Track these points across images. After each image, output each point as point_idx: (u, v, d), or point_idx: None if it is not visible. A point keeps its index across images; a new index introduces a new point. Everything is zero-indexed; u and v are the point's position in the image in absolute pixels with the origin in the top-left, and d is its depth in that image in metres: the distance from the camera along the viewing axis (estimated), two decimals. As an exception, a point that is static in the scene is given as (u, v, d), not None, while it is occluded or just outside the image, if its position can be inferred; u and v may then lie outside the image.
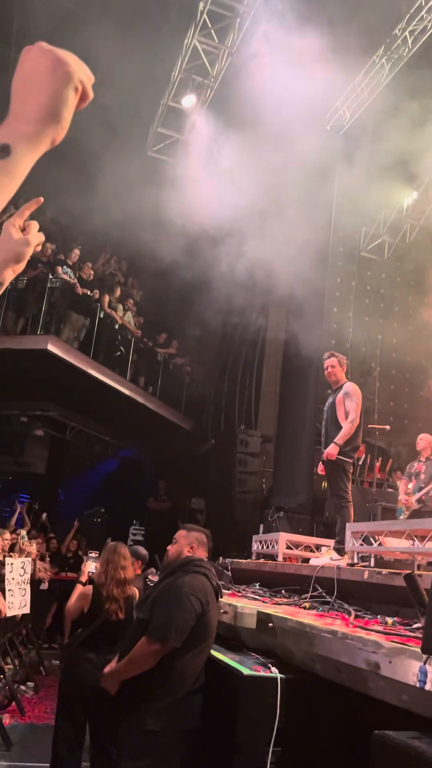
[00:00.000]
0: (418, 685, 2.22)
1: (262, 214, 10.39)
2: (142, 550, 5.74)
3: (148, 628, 3.04)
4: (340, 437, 5.82)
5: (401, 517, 7.49)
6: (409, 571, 2.78)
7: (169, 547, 3.56)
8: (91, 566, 4.80)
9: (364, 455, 10.75)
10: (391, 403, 12.83)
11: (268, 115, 9.19)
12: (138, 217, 10.74)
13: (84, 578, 4.73)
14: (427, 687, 2.19)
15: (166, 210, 10.47)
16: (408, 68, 9.98)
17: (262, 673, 2.95)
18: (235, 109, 10.02)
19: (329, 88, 9.69)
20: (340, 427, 5.91)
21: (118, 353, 12.74)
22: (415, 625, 3.00)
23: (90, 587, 4.50)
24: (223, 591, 4.08)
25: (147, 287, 15.19)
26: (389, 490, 10.15)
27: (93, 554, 5.08)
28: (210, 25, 10.18)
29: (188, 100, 11.21)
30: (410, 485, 7.60)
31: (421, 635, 2.39)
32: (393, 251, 12.86)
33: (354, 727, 2.52)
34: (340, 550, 5.51)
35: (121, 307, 13.36)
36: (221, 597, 3.45)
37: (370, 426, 9.79)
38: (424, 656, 2.23)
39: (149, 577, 6.24)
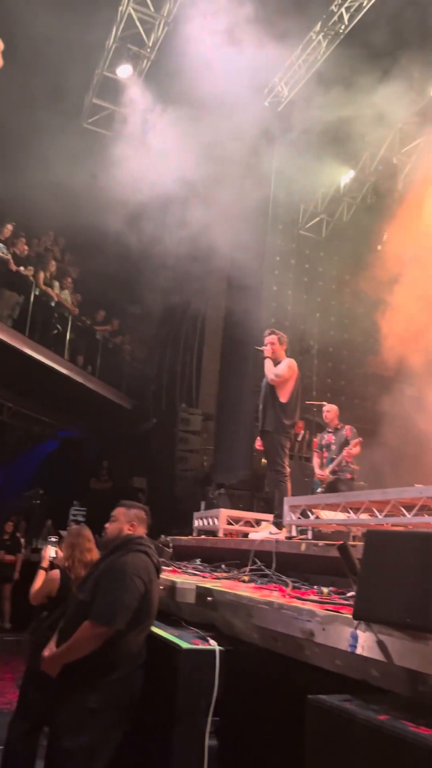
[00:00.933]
0: (349, 649, 2.30)
1: (201, 190, 10.30)
2: None
3: (91, 610, 2.98)
4: (270, 371, 6.01)
5: (318, 491, 7.62)
6: (343, 542, 2.85)
7: (107, 525, 3.47)
8: (51, 551, 4.70)
9: (302, 431, 10.95)
10: (329, 380, 13.09)
11: (206, 89, 9.07)
12: (75, 192, 10.46)
13: (45, 563, 4.63)
14: (358, 651, 2.27)
15: (104, 184, 10.24)
16: (345, 45, 10.02)
17: (201, 646, 2.98)
18: (173, 81, 9.84)
19: (267, 64, 9.63)
20: (276, 406, 5.98)
21: (55, 331, 12.47)
22: (348, 594, 3.09)
23: (57, 571, 4.42)
24: (164, 568, 4.09)
25: (85, 264, 14.87)
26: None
27: (53, 539, 4.97)
28: (145, -7, 9.94)
29: (124, 71, 10.94)
30: (324, 458, 7.72)
31: (353, 603, 2.46)
32: (331, 229, 13.02)
33: (291, 693, 2.58)
34: (278, 524, 5.60)
35: (57, 284, 13.04)
36: (161, 574, 3.41)
37: (308, 402, 9.96)
38: (356, 622, 2.30)
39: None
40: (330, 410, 8.04)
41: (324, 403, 9.90)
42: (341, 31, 9.70)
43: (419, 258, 10.49)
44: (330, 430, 7.83)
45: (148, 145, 10.38)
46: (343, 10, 9.39)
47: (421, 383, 10.03)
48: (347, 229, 12.84)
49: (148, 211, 10.28)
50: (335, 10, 9.51)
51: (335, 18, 9.60)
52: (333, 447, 7.61)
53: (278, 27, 9.27)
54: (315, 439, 8.22)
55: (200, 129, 9.65)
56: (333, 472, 7.44)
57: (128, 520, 3.42)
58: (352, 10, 9.39)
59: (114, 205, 10.30)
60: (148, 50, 10.64)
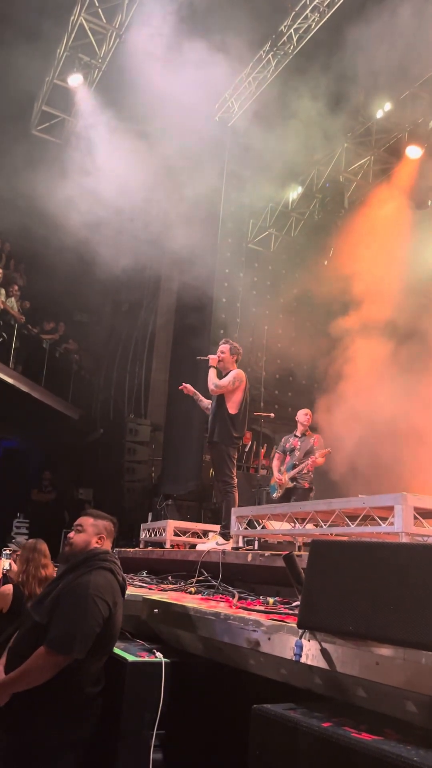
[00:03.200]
0: (294, 658, 2.33)
1: (150, 201, 10.33)
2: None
3: (47, 635, 2.68)
4: (211, 381, 6.09)
5: (274, 495, 7.61)
6: (288, 552, 2.90)
7: (71, 535, 3.09)
8: (5, 563, 4.56)
9: (250, 442, 11.05)
10: (276, 391, 13.25)
11: (156, 101, 9.12)
12: (23, 199, 10.31)
13: None
14: (303, 660, 2.30)
15: (53, 192, 10.13)
16: (294, 65, 10.25)
17: (147, 658, 2.97)
18: (124, 92, 9.85)
19: (217, 79, 9.76)
20: (224, 417, 6.00)
21: (0, 339, 12.22)
22: (294, 603, 3.13)
23: (9, 586, 4.28)
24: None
25: (33, 272, 14.65)
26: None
27: (7, 550, 4.83)
28: (97, 4, 9.91)
29: (74, 79, 10.88)
30: (285, 462, 7.71)
31: (298, 612, 2.50)
32: (279, 244, 13.23)
33: (237, 704, 2.60)
34: (225, 535, 5.62)
35: (3, 291, 12.79)
36: (126, 592, 3.14)
37: (255, 414, 10.05)
38: (300, 631, 2.34)
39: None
40: (307, 414, 8.02)
41: (271, 414, 10.02)
42: (290, 51, 9.93)
43: (364, 275, 10.79)
44: (297, 435, 7.79)
45: (98, 154, 10.34)
46: (292, 31, 9.61)
47: (368, 395, 10.25)
48: (295, 243, 13.07)
49: (96, 220, 10.21)
50: (284, 31, 9.74)
51: (284, 38, 9.82)
52: (297, 453, 7.59)
53: (229, 44, 9.42)
54: (281, 442, 8.17)
55: (150, 141, 9.69)
56: (292, 479, 7.45)
57: (96, 532, 3.08)
58: (300, 31, 9.63)
59: (62, 212, 10.20)
60: (99, 60, 10.62)
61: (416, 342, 10.46)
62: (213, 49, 9.10)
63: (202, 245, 10.76)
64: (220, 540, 5.64)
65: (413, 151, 10.43)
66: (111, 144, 10.20)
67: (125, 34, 9.81)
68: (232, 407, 6.05)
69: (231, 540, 5.35)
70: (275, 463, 7.83)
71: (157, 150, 9.73)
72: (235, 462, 6.08)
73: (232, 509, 5.50)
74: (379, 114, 10.97)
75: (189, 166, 10.19)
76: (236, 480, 6.04)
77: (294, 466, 7.50)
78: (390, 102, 10.72)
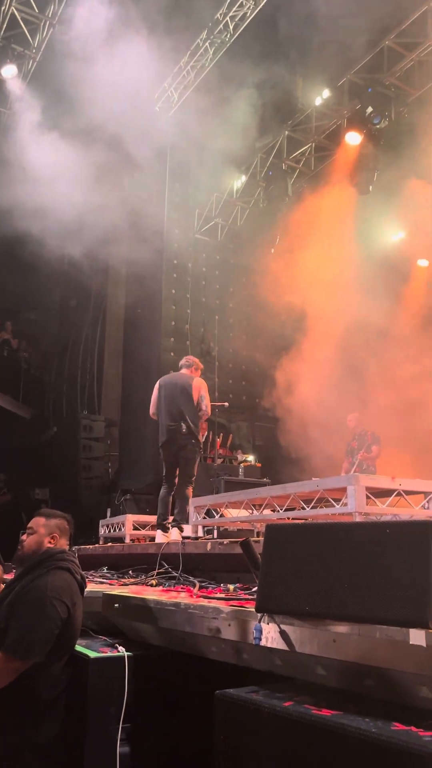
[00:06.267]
0: (254, 642, 2.37)
1: (93, 195, 10.17)
2: None
3: (5, 640, 2.65)
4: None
5: None
6: (245, 538, 2.93)
7: (23, 537, 3.08)
8: None
9: (206, 432, 11.07)
10: (230, 380, 13.32)
11: (94, 93, 8.98)
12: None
13: None
14: (263, 643, 2.34)
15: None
16: (232, 53, 10.23)
17: (109, 653, 2.96)
18: (60, 83, 9.65)
19: (155, 69, 9.66)
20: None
21: None
22: (253, 589, 3.17)
23: None
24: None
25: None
26: (234, 463, 10.58)
27: None
28: (29, -7, 9.67)
29: (8, 70, 10.58)
30: (350, 463, 8.08)
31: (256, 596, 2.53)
32: (226, 233, 13.24)
33: (201, 691, 2.62)
34: (178, 524, 5.75)
35: None
36: (85, 591, 3.12)
37: (210, 403, 10.10)
38: (259, 615, 2.37)
39: None
40: (352, 419, 8.37)
41: (226, 403, 10.06)
42: (227, 39, 9.90)
43: (311, 261, 10.92)
44: (355, 436, 8.22)
45: (35, 146, 10.11)
46: (228, 19, 9.58)
47: (320, 382, 10.40)
48: (242, 232, 13.11)
49: (37, 214, 10.01)
50: (220, 19, 9.70)
51: (221, 26, 9.79)
52: (357, 452, 7.99)
53: (165, 32, 9.33)
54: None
55: (90, 132, 9.54)
56: None
57: (49, 532, 3.05)
58: (236, 19, 9.61)
59: (3, 207, 9.96)
60: (33, 51, 10.37)
61: (362, 326, 10.68)
62: (149, 38, 9.00)
63: (148, 236, 10.69)
64: (176, 532, 5.71)
65: (353, 138, 10.57)
66: (48, 135, 10.00)
67: (58, 23, 9.60)
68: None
69: (182, 531, 5.52)
70: (344, 466, 8.31)
71: (98, 141, 9.59)
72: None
73: (191, 500, 5.57)
74: (318, 101, 11.07)
75: (131, 157, 10.09)
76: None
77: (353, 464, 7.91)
78: (328, 89, 10.83)
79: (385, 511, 3.79)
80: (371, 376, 10.10)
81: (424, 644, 1.85)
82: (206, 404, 6.31)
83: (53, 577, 2.82)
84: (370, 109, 9.79)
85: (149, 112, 10.88)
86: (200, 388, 6.31)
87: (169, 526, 5.92)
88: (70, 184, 9.89)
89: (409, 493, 3.92)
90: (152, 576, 4.35)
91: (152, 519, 6.95)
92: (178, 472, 6.26)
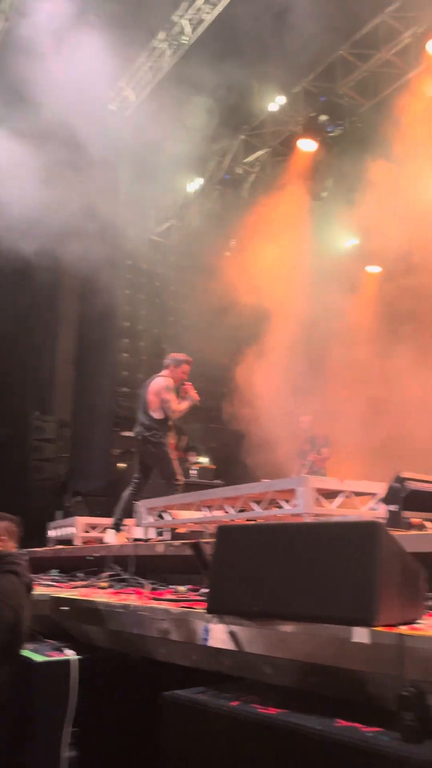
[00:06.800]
0: (203, 643, 2.38)
1: (49, 192, 10.03)
2: None
3: None
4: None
5: None
6: (196, 540, 2.94)
7: None
8: None
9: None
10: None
11: (48, 91, 8.86)
12: None
13: None
14: (211, 643, 2.36)
15: None
16: (190, 56, 10.25)
17: (56, 657, 2.93)
18: (12, 81, 9.48)
19: (111, 67, 9.59)
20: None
21: None
22: (203, 590, 3.18)
23: None
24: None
25: None
26: (187, 465, 10.57)
27: None
28: (-18, -15, 9.48)
29: (-39, 64, 10.35)
30: (301, 465, 8.11)
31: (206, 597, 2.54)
32: (181, 235, 13.25)
33: (150, 693, 2.62)
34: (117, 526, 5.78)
35: None
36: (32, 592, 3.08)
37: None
38: (208, 616, 2.39)
39: None
40: (304, 420, 8.40)
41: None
42: (185, 41, 9.92)
43: (266, 265, 11.03)
44: (307, 439, 8.22)
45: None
46: (186, 21, 9.60)
47: (276, 384, 10.51)
48: (197, 234, 13.14)
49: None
50: (178, 21, 9.71)
51: (178, 28, 9.80)
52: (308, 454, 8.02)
53: (123, 31, 9.26)
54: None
55: (44, 130, 9.40)
56: None
57: None
58: (194, 22, 9.64)
59: None
60: (-14, 45, 10.17)
61: (318, 329, 10.85)
62: (106, 36, 8.93)
63: (102, 236, 10.60)
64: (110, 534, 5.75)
65: (307, 145, 10.73)
66: (3, 134, 9.81)
67: (11, 18, 9.44)
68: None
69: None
70: (294, 468, 8.42)
71: (52, 139, 9.46)
72: None
73: (142, 501, 5.55)
74: (274, 107, 11.19)
75: (85, 156, 9.98)
76: None
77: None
78: (283, 95, 10.96)
79: (333, 512, 3.86)
80: (327, 378, 10.26)
81: (368, 642, 1.89)
82: (168, 406, 6.20)
83: (0, 581, 2.79)
84: (324, 117, 9.96)
85: (105, 110, 10.80)
86: (155, 392, 6.26)
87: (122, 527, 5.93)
88: (22, 182, 9.72)
89: (357, 494, 4.01)
90: (102, 578, 4.32)
91: (104, 521, 6.89)
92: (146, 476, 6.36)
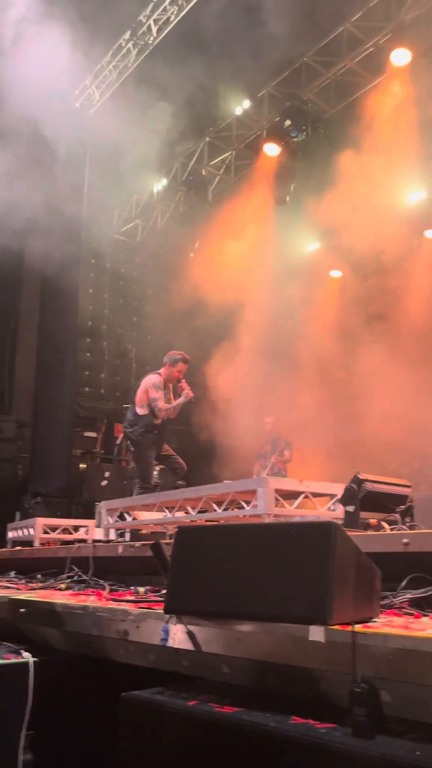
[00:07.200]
0: (161, 643, 2.39)
1: (11, 189, 9.89)
2: None
3: None
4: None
5: None
6: (155, 541, 2.95)
7: None
8: None
9: (121, 435, 10.99)
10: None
11: (11, 84, 8.74)
12: None
13: None
14: (170, 644, 2.37)
15: None
16: (156, 56, 10.23)
17: (13, 660, 2.90)
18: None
19: (76, 65, 9.52)
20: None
21: None
22: (163, 591, 3.19)
23: None
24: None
25: None
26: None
27: None
28: None
29: None
30: (262, 466, 8.11)
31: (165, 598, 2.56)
32: (146, 235, 13.21)
33: (109, 695, 2.62)
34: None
35: None
36: None
37: (125, 405, 10.01)
38: (167, 616, 2.40)
39: None
40: (268, 422, 8.42)
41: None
42: (150, 42, 9.90)
43: (230, 268, 11.08)
44: (269, 440, 8.23)
45: None
46: (151, 21, 9.59)
47: (238, 385, 10.56)
48: (161, 235, 13.12)
49: None
50: (144, 21, 9.69)
51: (144, 28, 9.78)
52: (269, 455, 8.02)
53: (88, 29, 9.21)
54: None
55: (7, 126, 9.28)
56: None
57: None
58: (160, 23, 9.63)
59: None
60: None
61: (282, 330, 10.96)
62: (71, 34, 8.86)
63: (65, 234, 10.50)
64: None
65: (271, 149, 10.81)
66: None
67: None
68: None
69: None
70: (255, 469, 8.65)
71: (16, 135, 9.33)
72: None
73: (103, 502, 5.53)
74: (239, 111, 11.26)
75: (49, 153, 9.89)
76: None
77: (265, 467, 7.91)
78: (248, 99, 11.03)
79: (293, 512, 3.91)
80: (291, 379, 10.34)
81: (323, 640, 1.93)
82: (155, 405, 6.18)
83: None
84: (288, 123, 10.05)
85: (69, 108, 10.70)
86: (143, 389, 6.28)
87: None
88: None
89: (316, 495, 4.07)
90: (62, 580, 4.29)
91: (64, 522, 6.83)
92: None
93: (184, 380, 6.35)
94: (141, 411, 6.23)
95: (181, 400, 6.23)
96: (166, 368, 6.40)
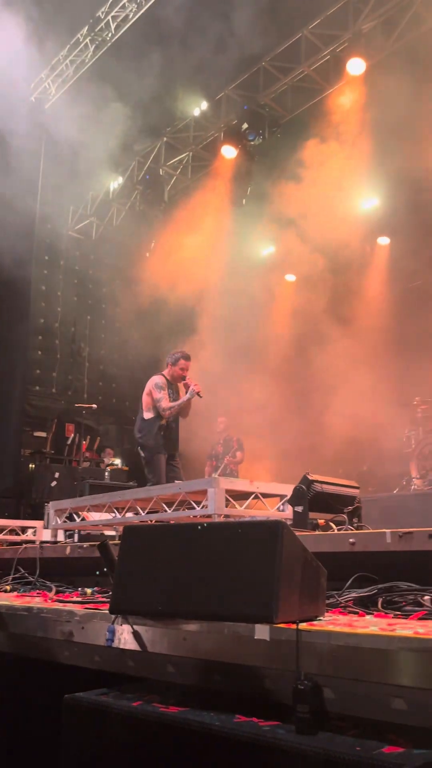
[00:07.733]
0: (107, 644, 2.36)
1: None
2: None
3: None
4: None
5: None
6: (103, 541, 2.92)
7: None
8: None
9: (72, 434, 10.86)
10: (101, 383, 13.14)
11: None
12: None
13: None
14: (115, 644, 2.34)
15: None
16: (114, 53, 10.14)
17: None
18: None
19: (32, 58, 9.36)
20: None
21: None
22: (110, 592, 3.15)
23: None
24: None
25: None
26: (101, 466, 10.43)
27: None
28: None
29: None
30: (214, 467, 8.07)
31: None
32: (101, 233, 13.08)
33: (53, 697, 2.57)
34: None
35: None
36: None
37: (77, 405, 9.91)
38: (113, 617, 2.38)
39: None
40: (221, 422, 8.38)
41: (94, 405, 9.95)
42: (108, 38, 9.81)
43: (185, 268, 11.06)
44: (220, 441, 8.16)
45: None
46: (110, 18, 9.51)
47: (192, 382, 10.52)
48: (117, 233, 13.01)
49: None
50: (102, 17, 9.60)
51: (102, 25, 9.69)
52: (221, 456, 7.98)
53: (45, 22, 9.07)
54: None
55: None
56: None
57: None
58: (118, 19, 9.56)
59: None
60: None
61: (236, 331, 11.00)
62: (26, 26, 8.71)
63: (18, 230, 10.30)
64: None
65: (228, 151, 10.86)
66: None
67: None
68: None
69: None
70: (206, 470, 8.52)
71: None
72: None
73: (52, 503, 5.43)
74: (196, 112, 11.27)
75: (2, 146, 9.68)
76: None
77: (217, 468, 7.89)
78: (206, 101, 11.05)
79: (243, 512, 3.93)
80: (245, 380, 10.39)
81: (268, 638, 1.95)
82: (159, 405, 6.05)
83: None
84: (245, 126, 10.11)
85: (25, 100, 10.52)
86: (147, 391, 6.15)
87: None
88: None
89: (266, 495, 4.10)
90: (6, 581, 4.19)
91: (10, 523, 6.69)
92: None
93: (189, 377, 6.22)
94: (147, 415, 6.08)
95: (186, 396, 6.08)
96: (169, 368, 6.29)
